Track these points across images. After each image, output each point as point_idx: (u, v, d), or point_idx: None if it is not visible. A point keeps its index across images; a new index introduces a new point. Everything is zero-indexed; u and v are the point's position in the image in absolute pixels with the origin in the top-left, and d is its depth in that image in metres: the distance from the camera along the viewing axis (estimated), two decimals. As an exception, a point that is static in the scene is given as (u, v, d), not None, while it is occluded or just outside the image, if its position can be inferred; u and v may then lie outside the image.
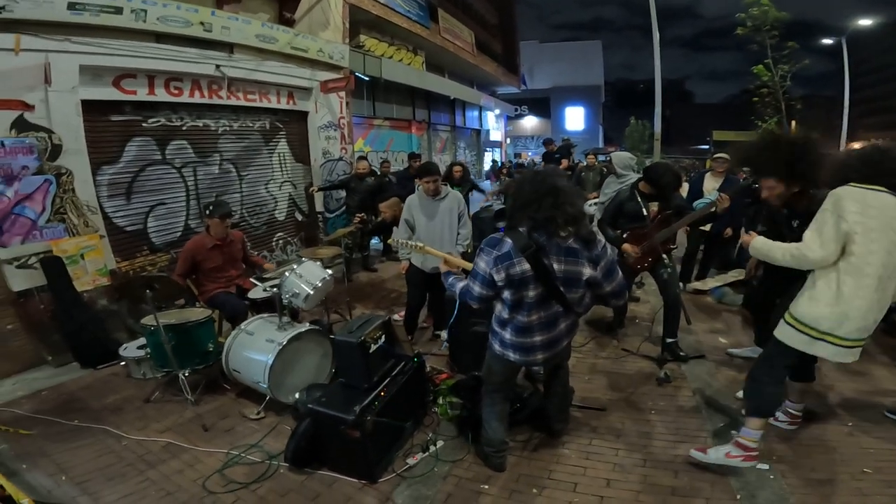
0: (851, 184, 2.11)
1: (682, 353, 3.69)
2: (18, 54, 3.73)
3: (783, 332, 2.25)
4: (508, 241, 2.15)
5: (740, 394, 3.06)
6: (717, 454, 2.40)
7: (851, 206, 2.04)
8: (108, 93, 4.60)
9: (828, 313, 2.10)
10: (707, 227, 5.22)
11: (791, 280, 2.37)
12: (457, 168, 6.77)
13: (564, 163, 8.60)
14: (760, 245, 2.34)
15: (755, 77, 18.58)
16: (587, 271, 2.18)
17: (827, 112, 25.03)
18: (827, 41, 20.77)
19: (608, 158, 6.52)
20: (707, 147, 32.90)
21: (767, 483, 2.32)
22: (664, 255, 3.53)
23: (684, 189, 5.07)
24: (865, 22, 19.47)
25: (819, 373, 3.36)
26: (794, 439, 2.66)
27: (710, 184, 5.25)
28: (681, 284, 4.08)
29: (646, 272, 3.88)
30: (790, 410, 2.73)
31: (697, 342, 4.05)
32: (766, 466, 2.42)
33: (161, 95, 5.06)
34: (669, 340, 3.70)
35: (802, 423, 2.75)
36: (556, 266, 2.15)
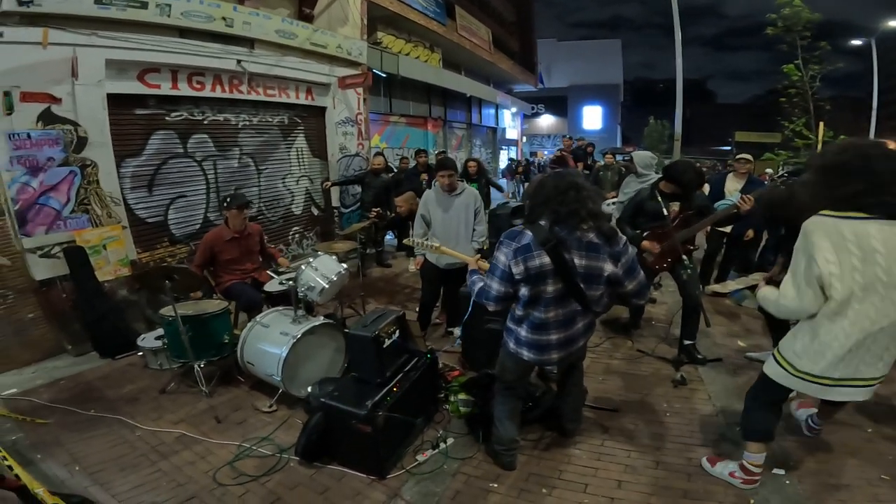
0: (824, 212, 1.83)
1: (699, 356, 3.62)
2: (46, 48, 3.81)
3: (772, 369, 2.11)
4: (528, 233, 2.13)
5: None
6: (723, 469, 2.36)
7: (822, 242, 1.77)
8: (133, 87, 4.68)
9: (801, 350, 1.95)
10: (728, 229, 5.12)
11: None
12: (471, 163, 6.77)
13: (580, 165, 8.47)
14: (766, 296, 2.09)
15: (782, 77, 18.19)
16: (608, 267, 2.14)
17: (854, 114, 24.32)
18: (856, 42, 20.19)
19: (627, 158, 6.44)
20: (728, 148, 32.24)
21: (782, 488, 2.28)
22: (684, 256, 3.47)
23: (706, 189, 4.97)
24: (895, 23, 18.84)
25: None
26: (813, 444, 2.60)
27: (732, 185, 5.14)
28: (700, 286, 4.01)
29: (664, 273, 3.82)
30: (812, 424, 2.61)
31: (715, 345, 3.97)
32: (781, 471, 2.37)
33: (184, 90, 5.14)
34: (687, 342, 3.64)
35: (824, 428, 2.66)
36: (577, 261, 2.12)
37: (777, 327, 3.12)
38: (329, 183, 6.99)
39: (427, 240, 3.53)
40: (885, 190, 1.74)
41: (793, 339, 2.03)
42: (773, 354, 2.11)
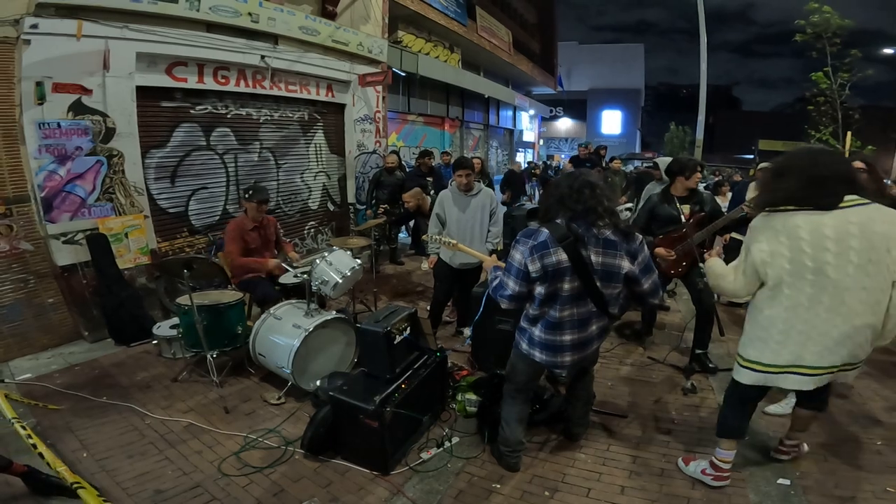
0: (767, 208, 2.05)
1: (711, 365, 3.58)
2: (80, 40, 3.93)
3: (744, 376, 2.17)
4: (545, 230, 2.13)
5: (769, 409, 2.97)
6: (696, 468, 2.41)
7: (760, 235, 2.00)
8: (161, 80, 4.79)
9: (747, 340, 2.14)
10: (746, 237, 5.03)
11: None
12: (476, 159, 6.77)
13: (596, 170, 8.38)
14: (709, 265, 2.35)
15: (810, 85, 17.74)
16: (626, 264, 2.14)
17: (884, 123, 23.61)
18: (888, 51, 19.61)
19: (650, 165, 6.33)
20: (752, 157, 31.58)
21: (788, 498, 2.25)
22: (700, 262, 3.43)
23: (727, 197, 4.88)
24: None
25: (853, 391, 3.22)
26: (819, 455, 2.56)
27: (754, 193, 5.05)
28: (715, 295, 3.95)
29: (677, 281, 3.77)
30: (786, 442, 2.51)
31: (728, 354, 3.90)
32: (787, 482, 2.34)
33: (209, 84, 5.24)
34: (699, 351, 3.59)
35: (834, 440, 2.63)
36: (594, 258, 2.12)
37: None
38: (370, 212, 6.76)
39: (446, 232, 3.53)
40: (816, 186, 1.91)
41: (743, 334, 2.18)
42: (743, 364, 2.18)
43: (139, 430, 2.87)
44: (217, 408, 3.10)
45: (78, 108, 4.05)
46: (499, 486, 2.42)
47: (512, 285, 2.18)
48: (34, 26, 3.71)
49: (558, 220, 2.15)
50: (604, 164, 8.89)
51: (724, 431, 2.32)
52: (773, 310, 2.00)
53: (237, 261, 3.84)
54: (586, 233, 2.12)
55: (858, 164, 3.45)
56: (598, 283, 2.13)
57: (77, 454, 2.62)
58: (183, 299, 3.38)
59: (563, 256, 2.08)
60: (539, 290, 2.16)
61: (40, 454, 2.11)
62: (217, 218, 5.51)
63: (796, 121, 22.94)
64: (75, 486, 1.99)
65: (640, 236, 2.22)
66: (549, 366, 2.36)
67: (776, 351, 2.01)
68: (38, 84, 3.77)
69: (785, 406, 2.91)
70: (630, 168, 14.53)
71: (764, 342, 2.05)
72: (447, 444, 2.72)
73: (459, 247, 3.05)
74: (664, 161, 5.24)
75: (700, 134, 13.22)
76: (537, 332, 2.26)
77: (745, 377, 2.14)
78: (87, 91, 4.08)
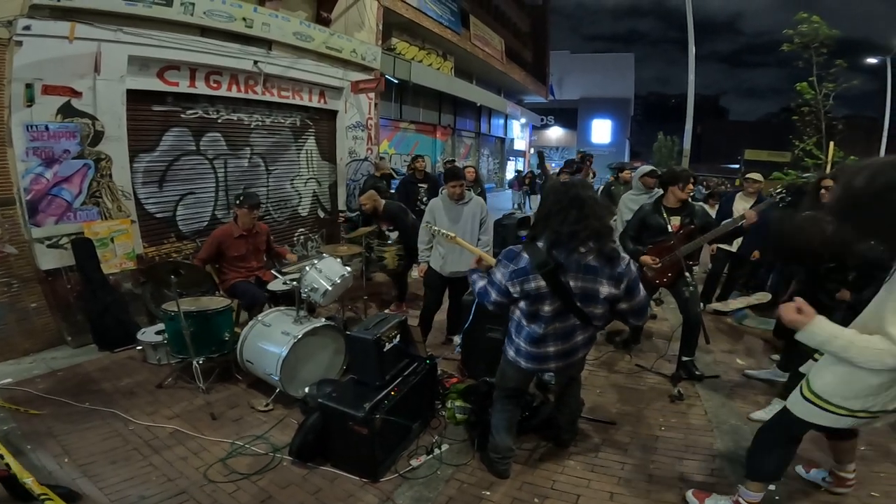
0: None
1: (697, 372, 3.62)
2: (73, 42, 3.90)
3: (802, 409, 1.90)
4: (526, 256, 2.14)
5: (754, 414, 3.02)
6: None
7: None
8: (153, 83, 4.77)
9: (863, 393, 1.71)
10: (733, 248, 5.11)
11: (829, 310, 2.10)
12: (469, 169, 6.77)
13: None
14: (822, 333, 1.66)
15: (796, 95, 18.07)
16: (605, 289, 2.13)
17: (867, 133, 24.10)
18: (871, 60, 20.06)
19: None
20: (737, 166, 32.10)
21: (770, 502, 2.26)
22: (686, 272, 3.48)
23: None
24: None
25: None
26: (807, 461, 2.58)
27: (741, 204, 5.13)
28: (701, 304, 4.01)
29: (665, 290, 3.82)
30: (839, 473, 2.31)
31: (715, 362, 3.97)
32: (772, 487, 2.36)
33: (201, 88, 5.23)
34: (686, 358, 3.63)
35: (819, 446, 2.60)
36: (572, 283, 2.12)
37: (794, 350, 2.86)
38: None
39: (436, 241, 3.50)
40: None
41: (842, 382, 1.77)
42: (809, 398, 1.87)
43: (123, 435, 2.83)
44: (203, 414, 3.06)
45: (67, 111, 4.02)
46: (489, 493, 2.41)
47: (494, 296, 2.26)
48: (27, 28, 3.69)
49: (540, 244, 2.15)
50: (592, 173, 8.97)
51: (764, 473, 2.09)
52: None
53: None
54: (566, 259, 2.10)
55: (828, 181, 3.55)
56: (578, 304, 2.15)
57: (59, 459, 2.58)
58: (169, 305, 3.35)
59: (542, 283, 2.10)
60: (522, 305, 2.21)
61: (7, 465, 2.04)
62: (205, 224, 5.47)
63: (782, 131, 23.34)
64: (42, 497, 1.91)
65: (626, 258, 2.19)
66: (536, 371, 2.41)
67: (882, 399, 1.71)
68: (28, 86, 3.74)
69: (769, 412, 2.92)
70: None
71: (873, 396, 1.71)
72: (437, 451, 2.71)
73: (457, 240, 2.99)
74: (642, 169, 5.28)
75: (687, 143, 13.43)
76: (522, 343, 2.30)
77: (806, 412, 1.87)
78: (77, 94, 4.05)
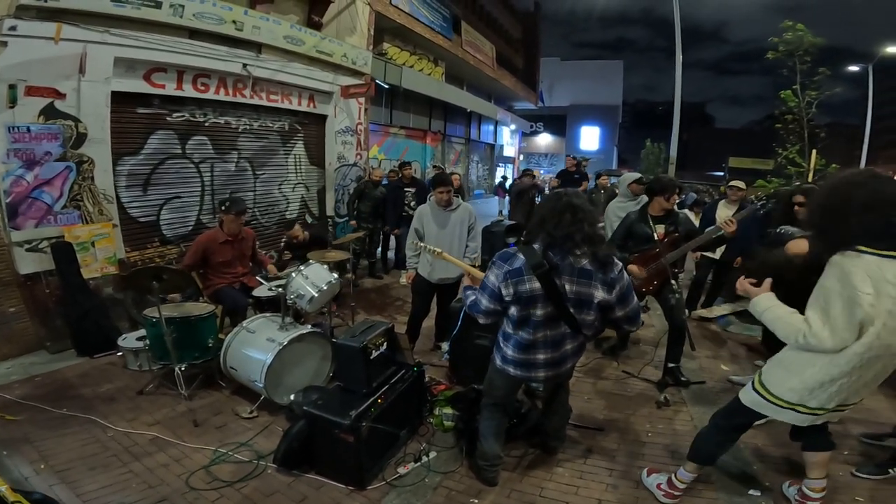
0: (860, 248, 1.70)
1: (683, 378, 3.65)
2: (58, 43, 3.83)
3: (749, 397, 2.07)
4: (521, 256, 2.14)
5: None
6: (654, 480, 2.43)
7: (864, 285, 1.64)
8: (138, 85, 4.70)
9: (798, 386, 1.89)
10: (717, 255, 5.18)
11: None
12: (455, 175, 6.83)
13: (584, 185, 8.47)
14: (763, 304, 1.93)
15: (780, 102, 18.42)
16: (599, 294, 2.13)
17: (849, 141, 24.59)
18: (853, 68, 20.49)
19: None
20: (722, 174, 32.60)
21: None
22: (672, 280, 3.51)
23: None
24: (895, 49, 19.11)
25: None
26: (787, 466, 2.63)
27: (724, 212, 5.19)
28: (686, 311, 4.05)
29: (650, 297, 3.85)
30: (810, 486, 2.27)
31: (700, 368, 4.00)
32: (757, 493, 2.39)
33: (188, 91, 5.17)
34: (672, 365, 3.66)
35: (797, 449, 2.64)
36: (567, 287, 2.12)
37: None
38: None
39: (425, 249, 3.53)
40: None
41: (784, 373, 1.95)
42: (757, 390, 2.04)
43: (102, 442, 2.77)
44: (185, 421, 3.01)
45: (50, 112, 3.95)
46: (477, 500, 2.40)
47: (486, 303, 2.23)
48: (13, 28, 3.63)
49: (536, 246, 2.16)
50: (585, 185, 9.03)
51: (701, 457, 2.27)
52: (841, 356, 1.78)
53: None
54: (561, 262, 2.12)
55: (799, 197, 3.61)
56: (571, 310, 2.15)
57: (35, 465, 2.52)
58: (151, 311, 3.29)
59: (537, 285, 2.10)
60: (512, 311, 2.19)
61: None
62: (190, 228, 5.39)
63: (766, 138, 23.75)
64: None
65: (620, 264, 2.20)
66: (524, 380, 2.40)
67: (832, 396, 1.85)
68: (11, 87, 3.68)
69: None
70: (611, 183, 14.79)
71: (824, 390, 1.85)
72: (425, 458, 2.69)
73: (444, 255, 3.04)
74: (629, 177, 5.33)
75: (674, 151, 13.63)
76: (511, 351, 2.29)
77: (753, 401, 2.04)
78: (61, 95, 3.98)
